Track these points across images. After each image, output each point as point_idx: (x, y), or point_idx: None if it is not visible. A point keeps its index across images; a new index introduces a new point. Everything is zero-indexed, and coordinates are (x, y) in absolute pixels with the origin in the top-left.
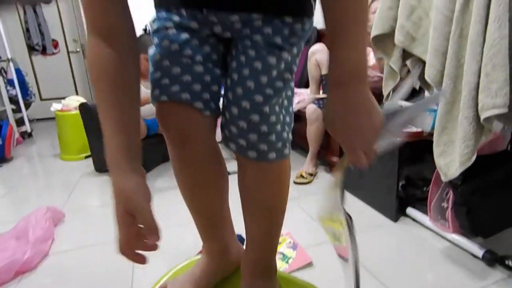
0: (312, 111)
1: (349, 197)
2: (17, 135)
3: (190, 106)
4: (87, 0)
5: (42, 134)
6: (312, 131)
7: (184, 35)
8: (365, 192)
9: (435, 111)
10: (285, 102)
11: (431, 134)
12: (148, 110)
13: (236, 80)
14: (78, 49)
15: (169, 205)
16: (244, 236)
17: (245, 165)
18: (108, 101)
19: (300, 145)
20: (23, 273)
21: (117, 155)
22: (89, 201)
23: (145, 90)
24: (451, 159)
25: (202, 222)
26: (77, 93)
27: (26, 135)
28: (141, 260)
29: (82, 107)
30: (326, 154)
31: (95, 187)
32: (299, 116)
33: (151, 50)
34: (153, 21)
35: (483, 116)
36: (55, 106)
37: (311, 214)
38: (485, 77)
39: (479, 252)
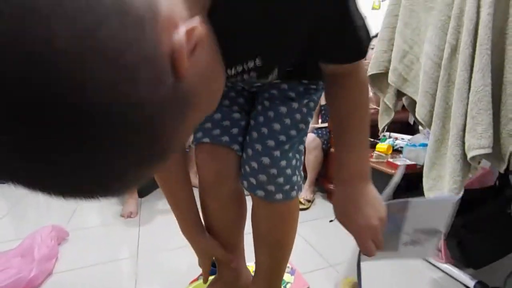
0: (311, 140)
1: None
2: None
3: (229, 148)
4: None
5: None
6: (311, 159)
7: (224, 88)
8: None
9: (426, 145)
10: (299, 148)
11: (421, 168)
12: None
13: (252, 125)
14: None
15: (170, 227)
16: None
17: (256, 202)
18: (176, 205)
19: None
20: None
21: (190, 229)
22: (92, 220)
23: None
24: (440, 193)
25: (222, 245)
26: None
27: None
28: None
29: None
30: (324, 182)
31: (98, 206)
32: None
33: None
34: None
35: (469, 155)
36: None
37: (308, 240)
38: (471, 119)
39: (471, 283)
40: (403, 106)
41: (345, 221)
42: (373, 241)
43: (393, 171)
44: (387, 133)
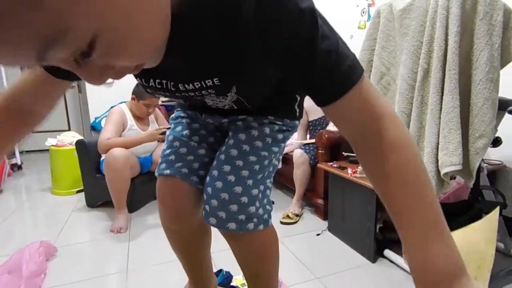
0: (299, 155)
1: (332, 238)
2: (7, 167)
3: (187, 180)
4: None
5: (31, 167)
6: (299, 174)
7: (195, 125)
8: (346, 234)
9: None
10: (264, 180)
11: None
12: (142, 148)
13: (215, 156)
14: (73, 84)
15: (159, 242)
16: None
17: (228, 239)
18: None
19: (286, 186)
20: None
21: None
22: (80, 236)
23: (139, 131)
24: None
25: (188, 267)
26: (69, 127)
27: (16, 167)
28: None
29: (79, 143)
30: (312, 196)
31: (87, 222)
32: (287, 159)
33: (168, 132)
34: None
35: (442, 171)
36: (50, 141)
37: (296, 254)
38: (443, 138)
39: None
40: None
41: None
42: None
43: None
44: None
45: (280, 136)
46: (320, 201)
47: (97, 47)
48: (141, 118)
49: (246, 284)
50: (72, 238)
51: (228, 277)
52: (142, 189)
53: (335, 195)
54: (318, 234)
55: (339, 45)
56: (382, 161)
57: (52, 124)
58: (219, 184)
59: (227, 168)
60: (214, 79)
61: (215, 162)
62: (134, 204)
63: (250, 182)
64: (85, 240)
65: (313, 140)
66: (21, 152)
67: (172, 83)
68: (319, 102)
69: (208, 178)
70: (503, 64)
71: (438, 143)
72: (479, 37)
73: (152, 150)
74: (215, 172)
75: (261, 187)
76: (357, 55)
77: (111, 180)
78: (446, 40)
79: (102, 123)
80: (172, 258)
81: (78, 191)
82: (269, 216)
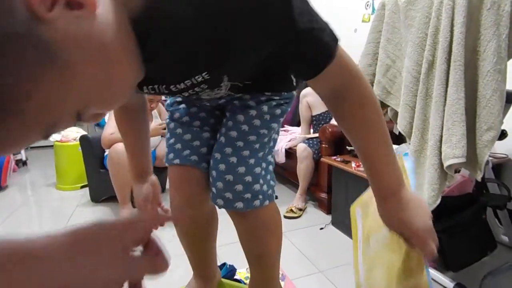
0: (302, 149)
1: (335, 232)
2: (12, 163)
3: (199, 170)
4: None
5: (36, 163)
6: (302, 169)
7: (194, 109)
8: (350, 227)
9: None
10: (266, 157)
11: None
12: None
13: (218, 139)
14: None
15: (164, 236)
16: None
17: (235, 219)
18: (128, 145)
19: (290, 180)
20: None
21: (132, 173)
22: None
23: (152, 124)
24: None
25: (195, 257)
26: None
27: (21, 163)
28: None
29: (83, 139)
30: (315, 191)
31: (91, 217)
32: (290, 154)
33: (167, 119)
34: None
35: (445, 164)
36: (54, 137)
37: (299, 247)
38: (447, 131)
39: (450, 285)
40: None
41: (401, 229)
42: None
43: None
44: None
45: (278, 111)
46: (324, 195)
47: (86, 114)
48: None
49: (250, 278)
50: None
51: (232, 270)
52: None
53: (338, 189)
54: (321, 228)
55: (317, 18)
56: (355, 113)
57: None
58: (222, 166)
59: (228, 150)
60: (203, 74)
61: (216, 145)
62: None
63: (252, 161)
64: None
65: (316, 135)
66: (26, 148)
67: (163, 86)
68: (306, 77)
69: (211, 162)
70: (510, 55)
71: (441, 136)
72: (486, 27)
73: (156, 145)
74: (217, 155)
75: (263, 165)
76: (362, 49)
77: (114, 175)
78: (451, 31)
79: (106, 119)
80: (177, 252)
81: (82, 186)
82: (273, 191)
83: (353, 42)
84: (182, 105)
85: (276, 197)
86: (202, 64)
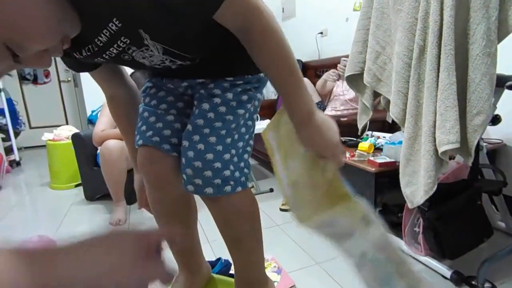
0: None
1: None
2: (5, 164)
3: (159, 148)
4: (95, 78)
5: (30, 163)
6: None
7: (162, 93)
8: None
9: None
10: (236, 143)
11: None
12: None
13: (186, 127)
14: (69, 79)
15: None
16: (224, 258)
17: (208, 204)
18: (123, 130)
19: None
20: None
21: (134, 163)
22: (80, 230)
23: None
24: (416, 188)
25: (176, 250)
26: (67, 122)
27: (14, 164)
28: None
29: (75, 137)
30: None
31: (86, 216)
32: None
33: (140, 104)
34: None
35: (440, 150)
36: (47, 136)
37: (295, 240)
38: (440, 116)
39: (447, 273)
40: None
41: (316, 148)
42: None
43: (373, 169)
44: (369, 132)
45: (244, 97)
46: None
47: (13, 47)
48: None
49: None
50: (71, 232)
51: (227, 265)
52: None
53: None
54: None
55: None
56: (261, 45)
57: (50, 119)
58: (190, 153)
59: (196, 137)
60: (114, 20)
61: (184, 133)
62: (132, 196)
63: (219, 147)
64: (84, 233)
65: None
66: (19, 149)
67: (93, 45)
68: (208, 11)
69: (181, 149)
70: (500, 38)
71: (435, 122)
72: (475, 10)
73: None
74: (185, 143)
75: (233, 151)
76: (353, 37)
77: (106, 172)
78: (441, 15)
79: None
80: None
81: (76, 185)
82: (247, 179)
83: (344, 31)
84: (152, 90)
85: (272, 190)
86: (110, 11)
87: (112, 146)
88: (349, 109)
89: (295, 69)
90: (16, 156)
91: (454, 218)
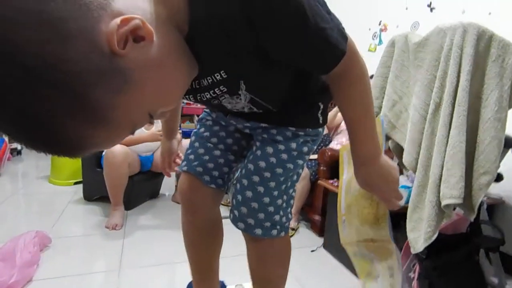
0: None
1: (326, 256)
2: (8, 151)
3: (200, 179)
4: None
5: (30, 153)
6: (298, 189)
7: (216, 127)
8: (342, 253)
9: (409, 188)
10: (288, 191)
11: (405, 208)
12: (144, 147)
13: (244, 163)
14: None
15: (154, 242)
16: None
17: (245, 238)
18: None
19: None
20: None
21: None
22: (76, 229)
23: (144, 130)
24: (419, 235)
25: (197, 270)
26: None
27: (15, 152)
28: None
29: None
30: (309, 212)
31: (82, 215)
32: None
33: (193, 131)
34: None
35: (443, 203)
36: None
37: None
38: (447, 171)
39: None
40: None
41: (372, 189)
42: (395, 197)
43: None
44: None
45: (305, 148)
46: (317, 217)
47: (156, 114)
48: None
49: None
50: (67, 230)
51: (222, 286)
52: (140, 187)
53: (333, 213)
54: (313, 251)
55: (329, 18)
56: (350, 89)
57: None
58: (249, 193)
59: (256, 178)
60: (221, 72)
61: (243, 171)
62: (131, 201)
63: (276, 193)
64: (79, 234)
65: (315, 156)
66: None
67: (196, 81)
68: (325, 70)
69: (238, 186)
70: (511, 105)
71: (441, 175)
72: (490, 77)
73: (154, 150)
74: (244, 181)
75: (285, 197)
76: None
77: (108, 176)
78: (458, 77)
79: None
80: (165, 260)
81: (76, 183)
82: (289, 224)
83: None
84: (209, 122)
85: None
86: (220, 62)
87: (116, 151)
88: None
89: (373, 113)
90: (18, 144)
91: (451, 270)
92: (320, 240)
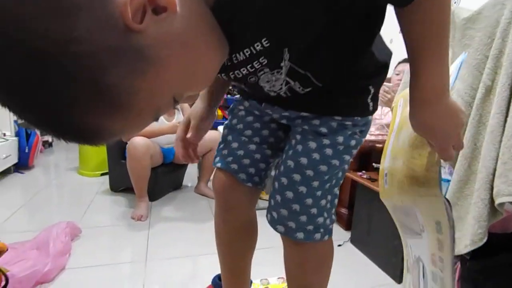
0: None
1: (354, 250)
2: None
3: (236, 177)
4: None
5: (61, 144)
6: None
7: (249, 118)
8: (370, 248)
9: (448, 181)
10: (332, 190)
11: None
12: (165, 139)
13: (282, 159)
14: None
15: (178, 234)
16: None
17: (283, 241)
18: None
19: None
20: (41, 284)
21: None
22: (103, 219)
23: (165, 122)
24: (461, 235)
25: (228, 270)
26: None
27: (47, 145)
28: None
29: None
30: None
31: (109, 206)
32: None
33: (225, 123)
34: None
35: (497, 201)
36: None
37: None
38: (503, 165)
39: None
40: None
41: (431, 134)
42: (453, 146)
43: None
44: None
45: (353, 142)
46: (344, 210)
47: (181, 97)
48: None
49: None
50: (95, 221)
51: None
52: (163, 179)
53: (361, 206)
54: (339, 245)
55: None
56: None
57: None
58: (289, 194)
59: (297, 177)
60: (263, 40)
61: (282, 168)
62: (155, 193)
63: (319, 193)
64: (107, 224)
65: None
66: None
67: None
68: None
69: (276, 184)
70: None
71: (495, 169)
72: None
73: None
74: (284, 180)
75: (329, 197)
76: (397, 59)
77: (131, 168)
78: None
79: None
80: (190, 253)
81: (102, 174)
82: (332, 226)
83: None
84: (241, 112)
85: None
86: (262, 26)
87: (138, 143)
88: (385, 135)
89: (449, 36)
90: (49, 136)
91: (499, 274)
92: (346, 234)
